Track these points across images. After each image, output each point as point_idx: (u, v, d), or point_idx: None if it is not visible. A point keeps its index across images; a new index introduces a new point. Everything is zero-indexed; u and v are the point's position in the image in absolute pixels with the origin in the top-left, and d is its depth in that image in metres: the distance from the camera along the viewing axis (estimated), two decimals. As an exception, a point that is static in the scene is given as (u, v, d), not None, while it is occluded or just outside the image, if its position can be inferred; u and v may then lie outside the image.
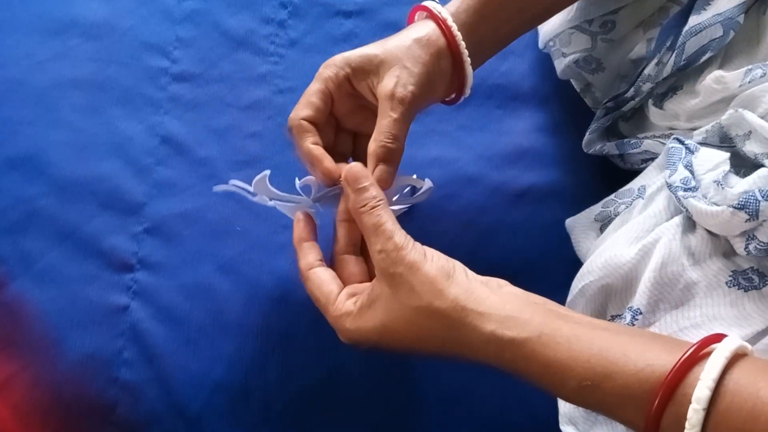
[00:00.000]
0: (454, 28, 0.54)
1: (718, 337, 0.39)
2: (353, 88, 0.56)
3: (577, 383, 0.40)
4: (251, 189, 0.55)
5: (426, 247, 0.48)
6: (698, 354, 0.38)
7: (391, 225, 0.48)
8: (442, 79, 0.56)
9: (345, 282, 0.52)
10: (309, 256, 0.53)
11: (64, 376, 0.59)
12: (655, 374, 0.38)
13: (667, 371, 0.37)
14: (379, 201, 0.49)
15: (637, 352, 0.40)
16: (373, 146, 0.53)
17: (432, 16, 0.55)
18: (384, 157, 0.53)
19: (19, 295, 0.62)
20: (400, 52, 0.54)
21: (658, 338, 0.42)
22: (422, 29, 0.55)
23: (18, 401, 0.58)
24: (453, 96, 0.59)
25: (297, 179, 0.55)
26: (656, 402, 0.37)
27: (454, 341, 0.45)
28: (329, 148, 0.55)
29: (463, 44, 0.54)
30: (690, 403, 0.36)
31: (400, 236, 0.47)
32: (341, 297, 0.49)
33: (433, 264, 0.46)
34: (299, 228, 0.54)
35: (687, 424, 0.36)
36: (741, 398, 0.36)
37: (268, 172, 0.56)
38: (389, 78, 0.53)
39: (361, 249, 0.54)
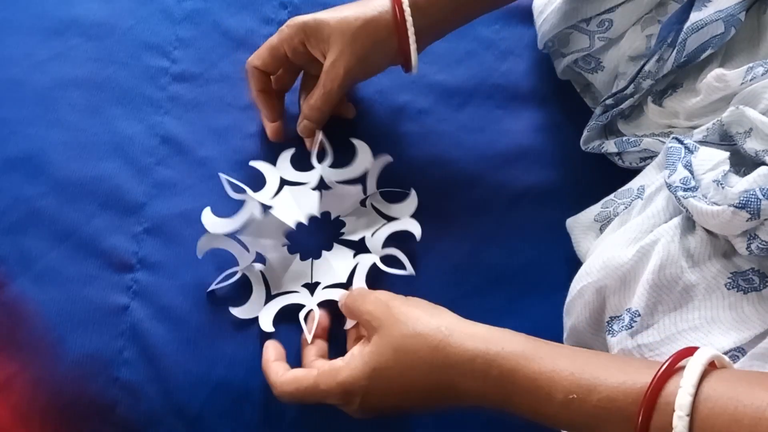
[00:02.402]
0: (407, 12, 0.59)
1: (692, 351, 0.40)
2: (307, 49, 0.62)
3: (564, 396, 0.42)
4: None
5: (409, 296, 0.53)
6: (675, 365, 0.40)
7: (367, 291, 0.57)
8: (384, 54, 0.62)
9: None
10: (280, 368, 0.55)
11: (64, 376, 0.59)
12: (636, 386, 0.40)
13: (647, 383, 0.39)
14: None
15: (616, 367, 0.42)
16: (303, 106, 0.64)
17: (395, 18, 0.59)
18: (309, 117, 0.63)
19: (19, 295, 0.62)
20: (350, 29, 0.59)
21: (634, 359, 0.46)
22: (377, 6, 0.60)
23: (18, 401, 0.58)
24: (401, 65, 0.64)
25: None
26: (641, 412, 0.38)
27: (440, 364, 0.46)
28: (285, 90, 0.68)
29: (411, 29, 0.59)
30: (674, 411, 0.37)
31: (384, 293, 0.54)
32: (321, 362, 0.53)
33: (417, 302, 0.52)
34: (268, 352, 0.57)
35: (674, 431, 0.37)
36: (722, 403, 0.37)
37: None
38: (332, 53, 0.60)
39: None
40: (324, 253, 0.63)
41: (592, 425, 0.41)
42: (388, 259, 0.62)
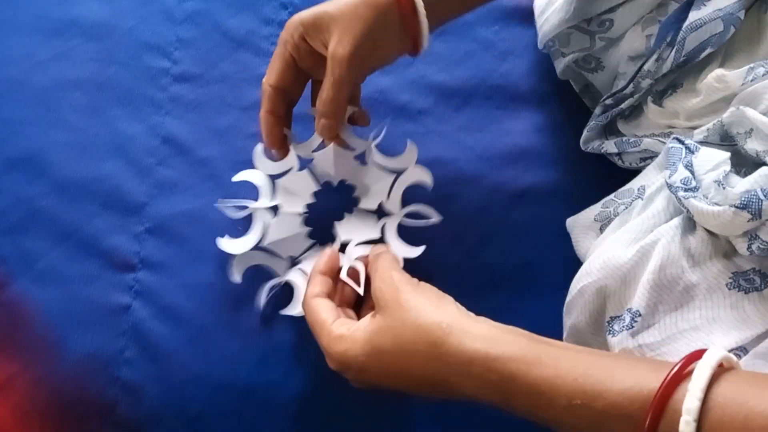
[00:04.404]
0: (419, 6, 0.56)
1: (700, 354, 0.39)
2: (310, 46, 0.58)
3: (567, 402, 0.41)
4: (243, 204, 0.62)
5: (421, 282, 0.52)
6: (684, 370, 0.39)
7: (389, 264, 0.54)
8: (389, 35, 0.58)
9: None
10: (317, 287, 0.55)
11: (65, 375, 0.59)
12: (643, 392, 0.39)
13: (655, 389, 0.38)
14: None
15: (622, 371, 0.41)
16: (317, 104, 0.58)
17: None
18: (324, 114, 0.58)
19: (20, 295, 0.62)
20: (348, 10, 0.56)
21: (641, 360, 0.44)
22: (379, 6, 0.56)
23: (18, 401, 0.58)
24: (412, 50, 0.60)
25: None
26: (648, 418, 0.37)
27: (437, 361, 0.46)
28: (293, 104, 0.63)
29: (421, 5, 0.56)
30: (681, 416, 0.36)
31: (398, 273, 0.52)
32: (336, 324, 0.51)
33: (425, 290, 0.51)
34: (322, 261, 0.58)
35: None
36: (731, 410, 0.36)
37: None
38: (334, 37, 0.56)
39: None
40: (347, 215, 0.63)
41: (597, 429, 0.40)
42: (410, 215, 0.63)
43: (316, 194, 0.64)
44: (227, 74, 0.72)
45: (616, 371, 0.41)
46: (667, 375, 0.38)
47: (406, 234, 0.62)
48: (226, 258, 0.63)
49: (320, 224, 0.64)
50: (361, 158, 0.65)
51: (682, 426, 0.36)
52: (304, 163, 0.64)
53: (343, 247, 0.61)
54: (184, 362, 0.60)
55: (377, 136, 0.64)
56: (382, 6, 0.56)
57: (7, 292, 0.62)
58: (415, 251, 0.60)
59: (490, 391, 0.44)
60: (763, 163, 0.47)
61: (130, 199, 0.66)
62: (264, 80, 0.60)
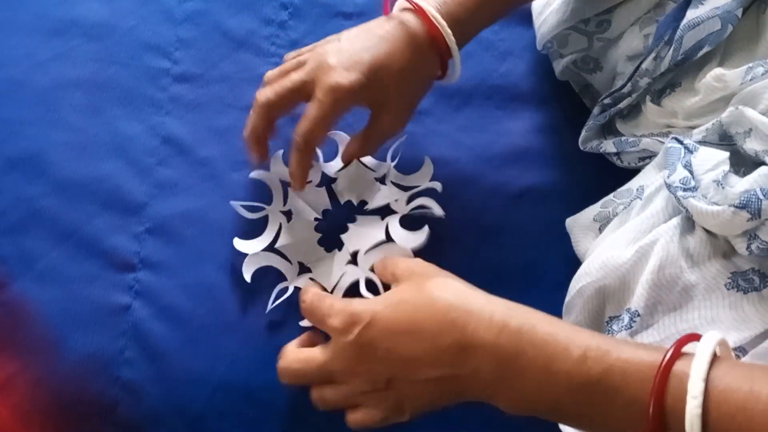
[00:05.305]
0: (444, 26, 0.58)
1: (698, 335, 0.41)
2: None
3: (583, 352, 0.42)
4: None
5: None
6: (689, 341, 0.41)
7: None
8: (427, 84, 0.62)
9: None
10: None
11: (65, 375, 0.59)
12: (652, 356, 0.40)
13: (662, 356, 0.40)
14: None
15: (633, 343, 0.44)
16: (352, 144, 0.62)
17: (435, 40, 0.58)
18: (354, 155, 0.62)
19: (20, 295, 0.62)
20: (402, 86, 0.59)
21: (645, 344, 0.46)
22: (412, 28, 0.58)
23: (18, 401, 0.58)
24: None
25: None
26: (659, 372, 0.39)
27: (461, 307, 0.46)
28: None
29: (453, 44, 0.58)
30: (689, 377, 0.38)
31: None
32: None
33: (451, 274, 0.51)
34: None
35: (688, 396, 0.37)
36: (738, 381, 0.37)
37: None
38: (388, 113, 0.59)
39: None
40: (350, 225, 0.64)
41: (606, 387, 0.41)
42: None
43: (324, 212, 0.65)
44: (227, 74, 0.72)
45: (628, 341, 0.44)
46: (672, 345, 0.40)
47: (410, 223, 0.63)
48: (227, 258, 0.63)
49: (330, 233, 0.64)
50: (382, 181, 0.66)
51: (690, 385, 0.37)
52: (324, 180, 0.66)
53: (353, 257, 0.62)
54: (184, 362, 0.60)
55: (395, 156, 0.66)
56: (425, 54, 0.59)
57: (7, 292, 0.62)
58: (420, 235, 0.62)
59: (507, 340, 0.44)
60: (762, 163, 0.47)
61: (130, 199, 0.66)
62: (304, 137, 0.57)
